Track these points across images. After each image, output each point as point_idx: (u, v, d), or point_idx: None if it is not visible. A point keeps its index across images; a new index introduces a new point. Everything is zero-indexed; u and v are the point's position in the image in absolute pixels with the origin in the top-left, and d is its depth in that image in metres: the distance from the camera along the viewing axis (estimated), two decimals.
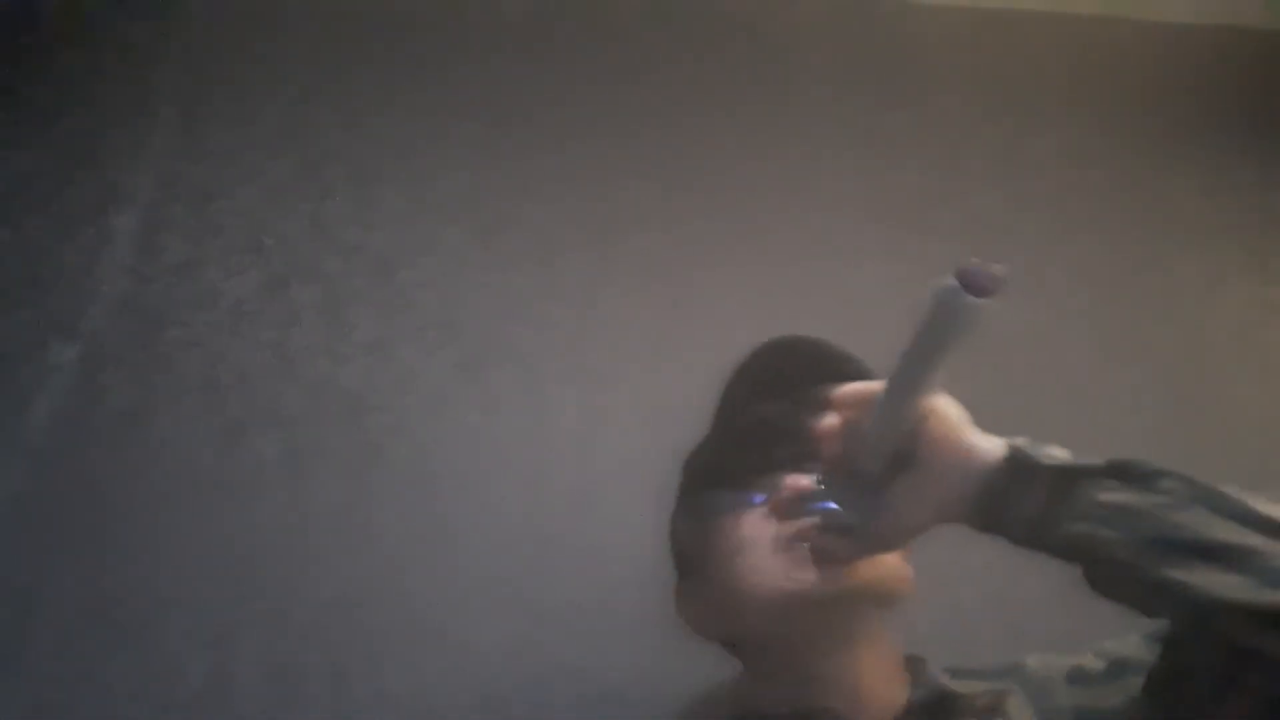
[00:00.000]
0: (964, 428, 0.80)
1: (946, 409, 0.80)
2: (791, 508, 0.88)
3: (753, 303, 1.57)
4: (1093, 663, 0.88)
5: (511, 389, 1.49)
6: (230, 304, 1.51)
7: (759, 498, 0.92)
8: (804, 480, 0.87)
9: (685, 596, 1.04)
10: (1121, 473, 0.72)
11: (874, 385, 0.82)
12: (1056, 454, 0.76)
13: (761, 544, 0.90)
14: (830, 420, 0.83)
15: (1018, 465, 0.76)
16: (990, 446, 0.78)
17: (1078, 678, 0.88)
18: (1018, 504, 0.75)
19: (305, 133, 1.63)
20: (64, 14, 1.70)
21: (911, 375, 0.79)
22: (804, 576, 0.86)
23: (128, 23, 1.70)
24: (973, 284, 0.74)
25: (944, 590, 1.23)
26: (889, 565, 0.91)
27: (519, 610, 1.35)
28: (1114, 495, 0.71)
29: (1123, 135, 1.78)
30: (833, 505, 0.84)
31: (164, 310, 1.50)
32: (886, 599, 0.92)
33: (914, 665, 0.96)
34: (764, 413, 0.96)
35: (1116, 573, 0.70)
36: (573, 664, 1.32)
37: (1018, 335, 1.56)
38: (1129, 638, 0.86)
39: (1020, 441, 0.78)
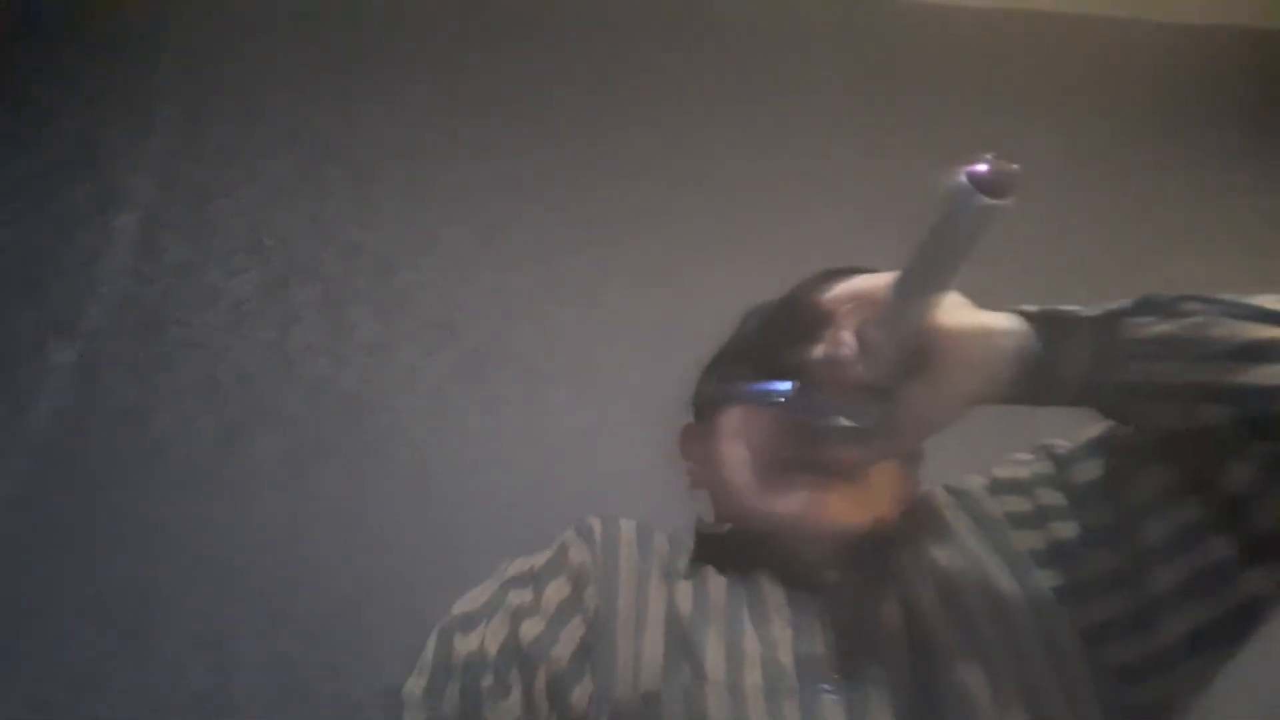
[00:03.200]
0: (973, 310, 0.77)
1: (950, 299, 0.77)
2: (797, 428, 0.85)
3: (752, 303, 1.57)
4: (1017, 470, 0.87)
5: (511, 389, 1.49)
6: (230, 304, 1.51)
7: (779, 387, 0.88)
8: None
9: (689, 434, 1.05)
10: (1150, 307, 0.74)
11: (867, 282, 0.79)
12: (1082, 308, 0.76)
13: (754, 445, 0.89)
14: (841, 338, 0.79)
15: (1054, 325, 0.75)
16: (1009, 322, 0.76)
17: (1003, 486, 0.86)
18: (1065, 363, 0.74)
19: (305, 133, 1.63)
20: (65, 14, 1.70)
21: (924, 279, 0.76)
22: (779, 501, 0.85)
23: (128, 23, 1.70)
24: (986, 183, 0.72)
25: None
26: (883, 503, 0.88)
27: None
28: (1153, 329, 0.73)
29: (1123, 135, 1.78)
30: (841, 419, 0.81)
31: (164, 310, 1.50)
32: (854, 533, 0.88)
33: None
34: (787, 315, 0.94)
35: (1176, 396, 0.72)
36: None
37: None
38: (1056, 441, 0.86)
39: (1036, 307, 0.77)
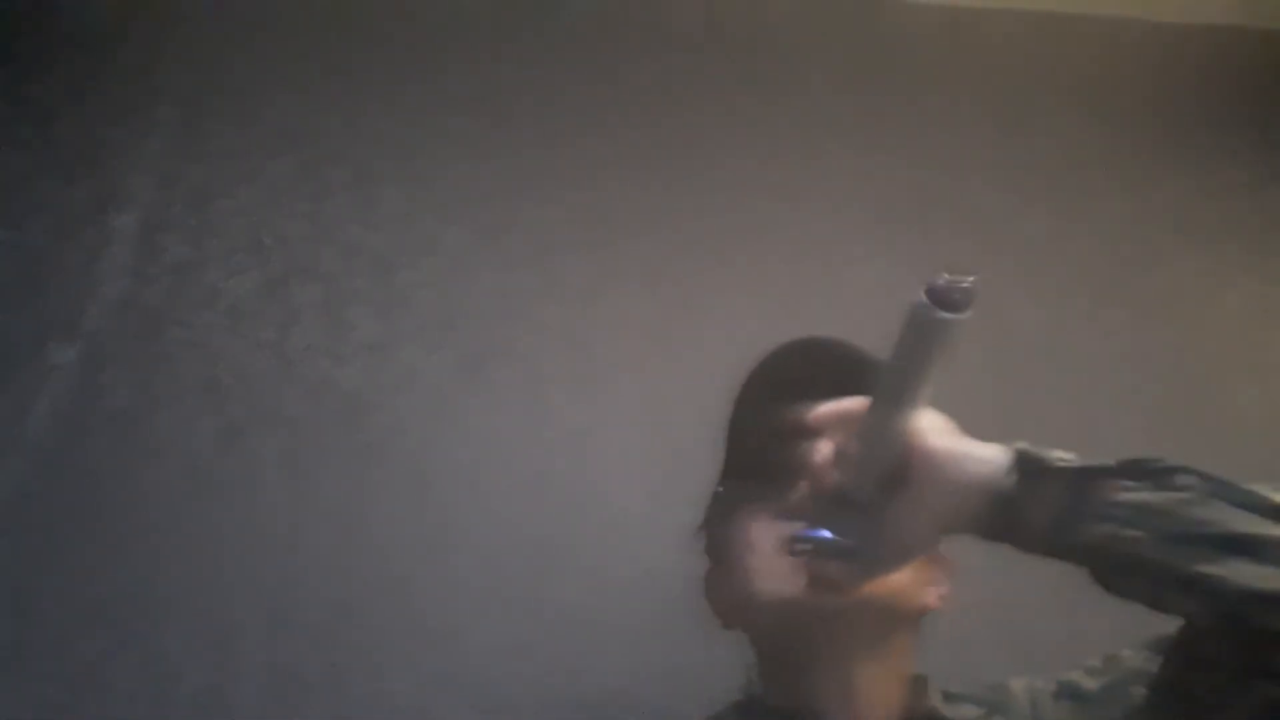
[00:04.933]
0: (956, 438, 0.79)
1: (933, 422, 0.79)
2: (792, 540, 0.87)
3: (752, 303, 1.57)
4: (1084, 679, 0.87)
5: (511, 389, 1.49)
6: (230, 304, 1.51)
7: (773, 506, 0.93)
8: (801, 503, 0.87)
9: (711, 583, 1.04)
10: (1136, 471, 0.72)
11: (855, 403, 0.81)
12: (1064, 456, 0.75)
13: (767, 546, 0.90)
14: (819, 447, 0.82)
15: (1029, 469, 0.74)
16: (990, 453, 0.76)
17: (1067, 693, 0.87)
18: (1032, 509, 0.73)
19: (305, 133, 1.63)
20: (65, 14, 1.70)
21: (894, 394, 0.78)
22: (787, 583, 0.87)
23: (128, 23, 1.70)
24: (945, 299, 0.74)
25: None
26: (900, 583, 0.89)
27: (518, 611, 1.35)
28: (1132, 495, 0.71)
29: (1123, 135, 1.78)
30: (827, 533, 0.83)
31: (164, 310, 1.50)
32: (893, 615, 0.91)
33: (915, 685, 0.96)
34: (775, 423, 0.95)
35: (1140, 571, 0.70)
36: (572, 664, 1.32)
37: (1018, 335, 1.56)
38: (1123, 651, 0.86)
39: (1024, 445, 0.76)
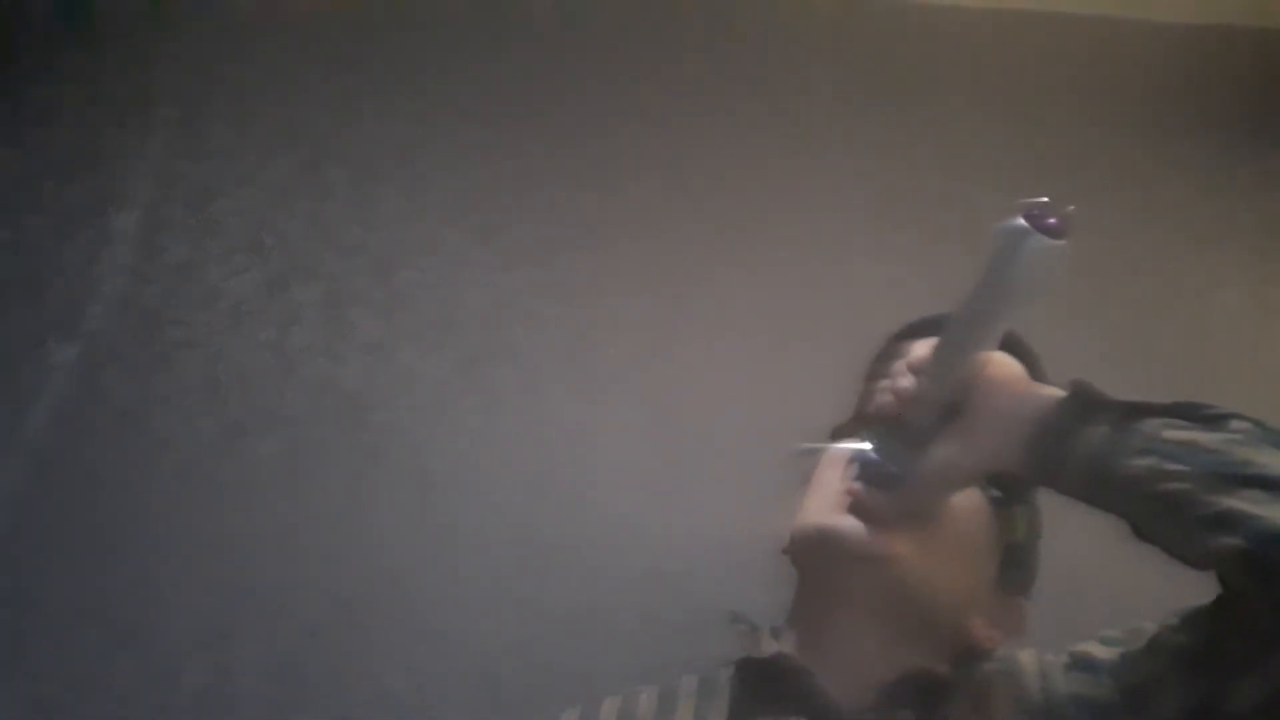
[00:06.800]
0: (1020, 374, 0.78)
1: (1002, 360, 0.78)
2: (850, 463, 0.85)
3: (752, 303, 1.57)
4: (1099, 649, 0.83)
5: (511, 389, 1.49)
6: (230, 304, 1.51)
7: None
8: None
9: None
10: (1189, 412, 0.70)
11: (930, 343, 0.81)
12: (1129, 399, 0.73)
13: (828, 480, 0.88)
14: (894, 376, 0.81)
15: (1081, 401, 0.73)
16: (1049, 391, 0.75)
17: (1080, 665, 0.84)
18: (1079, 441, 0.71)
19: (305, 133, 1.63)
20: (65, 14, 1.70)
21: (972, 322, 0.76)
22: (837, 519, 0.83)
23: (128, 23, 1.70)
24: (1042, 224, 0.71)
25: None
26: (937, 585, 0.85)
27: (518, 610, 1.35)
28: (1181, 432, 0.69)
29: (1123, 135, 1.78)
30: (875, 457, 0.81)
31: (164, 310, 1.50)
32: (911, 606, 0.85)
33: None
34: (879, 363, 0.94)
35: (1176, 510, 0.67)
36: (572, 664, 1.32)
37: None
38: (1145, 624, 0.84)
39: (1082, 380, 0.74)
